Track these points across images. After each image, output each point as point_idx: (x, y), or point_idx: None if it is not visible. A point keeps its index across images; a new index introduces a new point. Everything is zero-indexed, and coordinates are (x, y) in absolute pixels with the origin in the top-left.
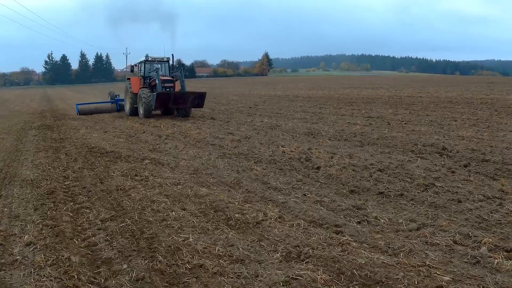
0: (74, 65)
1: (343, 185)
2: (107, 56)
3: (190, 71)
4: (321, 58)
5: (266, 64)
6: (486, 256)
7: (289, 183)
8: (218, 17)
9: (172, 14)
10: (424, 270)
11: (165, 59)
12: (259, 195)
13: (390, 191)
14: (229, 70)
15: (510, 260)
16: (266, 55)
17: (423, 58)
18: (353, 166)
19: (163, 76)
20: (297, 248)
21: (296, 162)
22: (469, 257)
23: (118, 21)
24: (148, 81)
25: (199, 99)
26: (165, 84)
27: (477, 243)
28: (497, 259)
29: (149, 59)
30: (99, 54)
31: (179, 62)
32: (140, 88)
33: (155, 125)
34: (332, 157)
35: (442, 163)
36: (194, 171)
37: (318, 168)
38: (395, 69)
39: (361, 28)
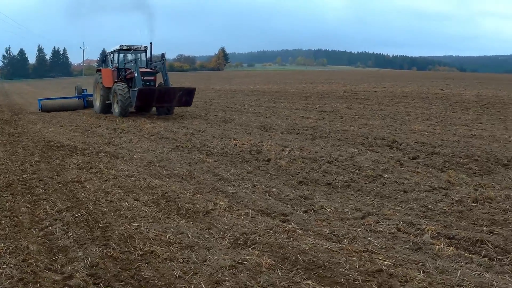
0: (32, 59)
1: (292, 176)
2: (64, 51)
3: None
4: (277, 53)
5: (223, 58)
6: (428, 243)
7: (239, 175)
8: (175, 11)
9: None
10: (366, 255)
11: (142, 48)
12: (210, 186)
13: (338, 182)
14: (185, 65)
15: (452, 246)
16: (223, 50)
17: (380, 54)
18: (303, 158)
19: (143, 68)
20: (244, 235)
21: (247, 155)
22: (411, 243)
23: (77, 13)
24: (123, 73)
25: (187, 96)
26: (145, 78)
27: (420, 230)
28: (438, 245)
29: (124, 47)
30: (56, 48)
31: (162, 54)
32: (115, 82)
33: (110, 119)
34: (283, 150)
35: (391, 155)
36: (147, 164)
37: (269, 160)
38: (351, 64)
39: (318, 23)
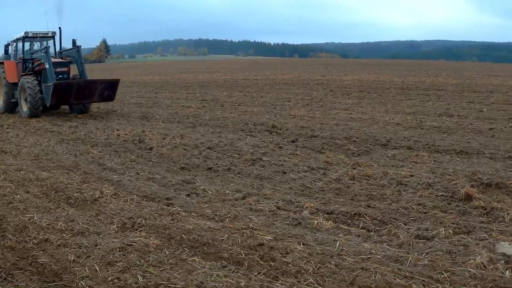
0: None
1: (174, 163)
2: None
3: None
4: (158, 44)
5: (104, 50)
6: (308, 219)
7: (123, 164)
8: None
9: None
10: (248, 232)
11: (49, 34)
12: (96, 176)
13: (218, 167)
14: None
15: (330, 220)
16: (104, 42)
17: (261, 42)
18: (184, 145)
19: (53, 58)
20: (131, 219)
21: (130, 144)
22: (291, 219)
23: None
24: (31, 65)
25: (110, 89)
26: (57, 69)
27: (300, 208)
28: (317, 220)
29: (30, 34)
30: None
31: (73, 41)
32: (22, 75)
33: None
34: (164, 138)
35: (271, 140)
36: (35, 157)
37: (151, 148)
38: (233, 53)
39: (198, 13)
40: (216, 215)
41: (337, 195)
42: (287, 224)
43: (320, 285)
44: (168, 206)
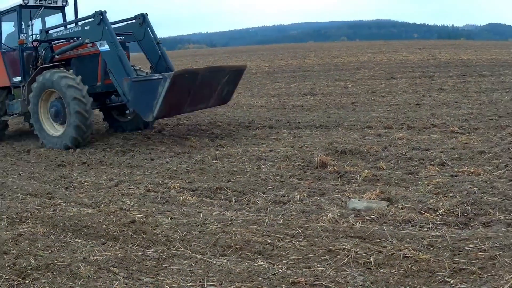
0: None
1: (52, 161)
2: None
3: None
4: None
5: None
6: (174, 197)
7: (5, 167)
8: None
9: None
10: (122, 213)
11: (59, 4)
12: None
13: (92, 161)
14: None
15: (194, 196)
16: None
17: None
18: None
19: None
20: (19, 214)
21: (9, 149)
22: (159, 199)
23: None
24: (50, 53)
25: (231, 83)
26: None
27: (167, 188)
28: (182, 197)
29: (31, 2)
30: None
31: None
32: (37, 69)
33: None
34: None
35: (139, 132)
36: None
37: (29, 151)
38: None
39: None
40: (92, 202)
41: (200, 174)
42: (156, 203)
43: (187, 249)
44: (50, 199)
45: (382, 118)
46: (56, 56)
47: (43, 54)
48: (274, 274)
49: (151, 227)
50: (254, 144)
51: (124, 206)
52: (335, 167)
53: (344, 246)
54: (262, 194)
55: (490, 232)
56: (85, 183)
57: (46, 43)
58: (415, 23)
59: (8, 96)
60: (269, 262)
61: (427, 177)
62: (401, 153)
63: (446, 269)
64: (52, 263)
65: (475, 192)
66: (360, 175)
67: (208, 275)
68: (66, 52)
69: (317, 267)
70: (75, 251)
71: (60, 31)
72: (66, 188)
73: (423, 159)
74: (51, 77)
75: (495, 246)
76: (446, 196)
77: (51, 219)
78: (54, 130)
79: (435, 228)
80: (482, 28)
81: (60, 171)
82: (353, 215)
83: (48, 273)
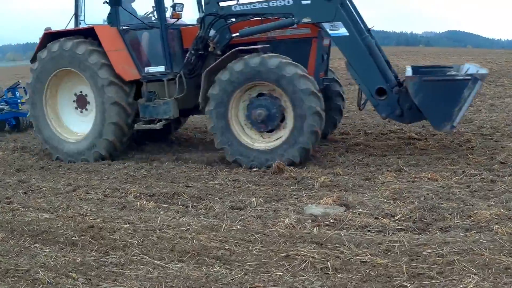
0: None
1: (10, 166)
2: None
3: None
4: None
5: None
6: (132, 202)
7: None
8: None
9: None
10: (80, 218)
11: None
12: None
13: (50, 165)
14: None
15: (151, 202)
16: None
17: None
18: (20, 149)
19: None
20: None
21: None
22: (117, 204)
23: None
24: (228, 34)
25: None
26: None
27: (125, 194)
28: (140, 202)
29: None
30: None
31: None
32: (238, 49)
33: None
34: None
35: None
36: None
37: None
38: None
39: (27, 16)
40: (51, 207)
41: (158, 180)
42: (114, 208)
43: (145, 255)
44: (8, 204)
45: (340, 124)
46: (234, 38)
47: (216, 35)
48: (232, 279)
49: (109, 232)
50: (211, 150)
51: (82, 212)
52: (291, 173)
53: (301, 252)
54: (219, 200)
55: (448, 237)
56: (43, 188)
57: (221, 20)
58: (373, 30)
59: (142, 95)
60: (227, 268)
61: (384, 182)
62: (358, 159)
63: (404, 274)
64: (11, 269)
65: (432, 198)
66: (317, 181)
67: (166, 280)
68: (255, 34)
69: (275, 272)
70: (34, 256)
71: (249, 3)
72: (25, 193)
73: (380, 165)
74: (264, 64)
75: (453, 251)
76: (404, 202)
77: (9, 224)
78: (252, 140)
79: (393, 233)
80: (441, 35)
81: (18, 176)
82: (310, 221)
83: (8, 279)
